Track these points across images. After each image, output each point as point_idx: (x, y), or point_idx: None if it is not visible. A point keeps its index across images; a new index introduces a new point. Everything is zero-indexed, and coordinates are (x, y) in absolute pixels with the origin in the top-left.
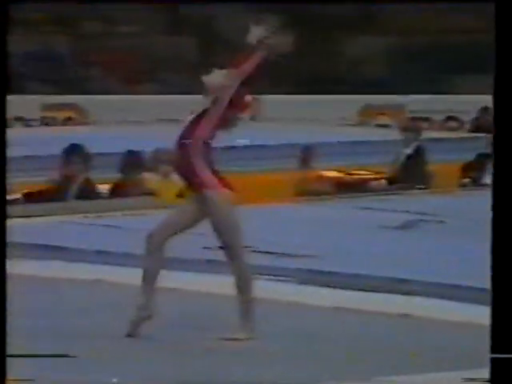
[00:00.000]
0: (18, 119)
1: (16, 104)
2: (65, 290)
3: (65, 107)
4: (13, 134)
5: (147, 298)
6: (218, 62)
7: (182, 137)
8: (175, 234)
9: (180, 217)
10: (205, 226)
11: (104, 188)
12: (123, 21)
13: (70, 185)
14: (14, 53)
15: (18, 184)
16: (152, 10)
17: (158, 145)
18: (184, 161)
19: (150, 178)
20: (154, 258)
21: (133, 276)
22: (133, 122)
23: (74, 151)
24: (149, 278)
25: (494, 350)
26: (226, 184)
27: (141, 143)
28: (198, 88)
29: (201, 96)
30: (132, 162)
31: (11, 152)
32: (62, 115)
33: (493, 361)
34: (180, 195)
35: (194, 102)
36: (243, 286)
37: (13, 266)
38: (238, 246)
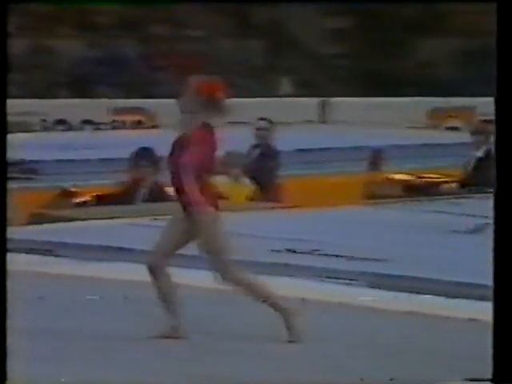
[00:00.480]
0: (88, 123)
1: (85, 108)
2: (132, 291)
3: (134, 111)
4: (82, 137)
5: (172, 314)
6: (284, 65)
7: (172, 154)
8: (171, 254)
9: (171, 238)
10: (275, 230)
11: (172, 191)
12: (191, 24)
13: (138, 188)
14: (84, 57)
15: (88, 186)
16: (219, 14)
17: (227, 148)
18: (175, 176)
19: (220, 181)
20: (162, 282)
21: (199, 277)
22: None
23: (143, 154)
24: (167, 298)
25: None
26: (213, 203)
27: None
28: (264, 91)
29: (268, 99)
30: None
31: (81, 155)
32: (131, 119)
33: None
34: (250, 198)
35: (261, 105)
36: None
37: (82, 268)
38: (224, 263)
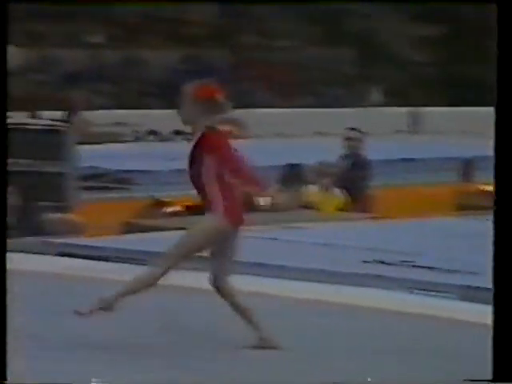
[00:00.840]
0: (178, 133)
1: (177, 118)
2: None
3: (224, 121)
4: (173, 147)
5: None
6: (375, 74)
7: (191, 166)
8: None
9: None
10: (365, 240)
11: (263, 201)
12: (282, 34)
13: None
14: (176, 68)
15: (179, 197)
16: (310, 22)
17: (317, 158)
18: (197, 178)
19: (310, 191)
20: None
21: (288, 288)
22: (290, 135)
23: None
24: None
25: None
26: (230, 213)
27: (298, 156)
28: (355, 101)
29: (358, 109)
30: (293, 174)
31: (172, 165)
32: (222, 129)
33: None
34: (341, 209)
35: (352, 115)
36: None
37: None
38: (172, 258)
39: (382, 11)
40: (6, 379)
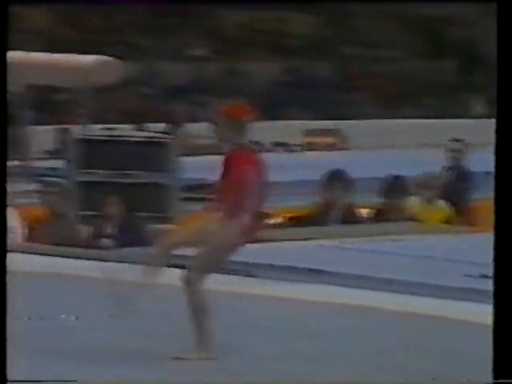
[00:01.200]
0: (280, 144)
1: (278, 130)
2: (325, 313)
3: (326, 133)
4: (276, 158)
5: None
6: (477, 83)
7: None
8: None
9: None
10: (468, 253)
11: (365, 213)
12: (384, 45)
13: (331, 209)
14: (278, 80)
15: (282, 208)
16: (411, 33)
17: (420, 169)
18: (223, 191)
19: (413, 203)
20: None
21: (393, 302)
22: (393, 146)
23: (335, 176)
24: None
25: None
26: (253, 223)
27: (401, 167)
28: (457, 112)
29: (461, 120)
30: (396, 186)
31: (274, 177)
32: (323, 141)
33: None
34: (444, 221)
35: (455, 126)
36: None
37: (275, 289)
38: (203, 268)
39: (483, 19)
40: (6, 379)
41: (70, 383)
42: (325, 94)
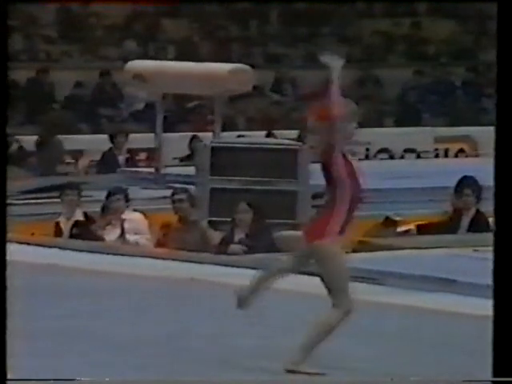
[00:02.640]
0: (410, 151)
1: (409, 136)
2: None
3: (457, 139)
4: (404, 165)
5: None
6: None
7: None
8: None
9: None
10: None
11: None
12: None
13: (461, 217)
14: (412, 86)
15: (411, 215)
16: None
17: None
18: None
19: None
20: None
21: None
22: None
23: (466, 183)
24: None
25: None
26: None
27: None
28: None
29: None
30: None
31: (403, 184)
32: (453, 147)
33: None
34: None
35: None
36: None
37: (405, 298)
38: (343, 291)
39: None
40: (6, 379)
41: (70, 382)
42: (459, 100)
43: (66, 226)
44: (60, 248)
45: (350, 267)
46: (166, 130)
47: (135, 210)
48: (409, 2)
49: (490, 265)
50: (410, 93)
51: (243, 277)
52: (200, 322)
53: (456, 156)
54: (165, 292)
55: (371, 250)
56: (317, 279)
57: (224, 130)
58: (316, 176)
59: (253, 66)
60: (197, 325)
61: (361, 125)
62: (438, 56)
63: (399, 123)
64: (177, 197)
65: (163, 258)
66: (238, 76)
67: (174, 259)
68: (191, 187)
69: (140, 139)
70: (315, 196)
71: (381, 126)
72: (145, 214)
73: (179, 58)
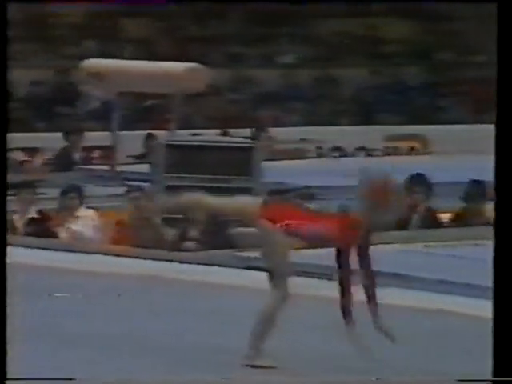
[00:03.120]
0: (362, 149)
1: (361, 135)
2: (403, 316)
3: (408, 137)
4: (356, 163)
5: None
6: None
7: None
8: None
9: None
10: None
11: (446, 217)
12: (475, 50)
13: (411, 214)
14: (367, 85)
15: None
16: None
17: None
18: None
19: (491, 208)
20: None
21: (473, 306)
22: (478, 151)
23: (416, 180)
24: None
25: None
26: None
27: (482, 173)
28: None
29: None
30: (477, 191)
31: (352, 181)
32: (404, 145)
33: None
34: None
35: None
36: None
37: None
38: (282, 277)
39: None
40: (6, 379)
41: (70, 382)
42: (415, 99)
43: (20, 224)
44: (14, 245)
45: (301, 263)
46: (123, 129)
47: (90, 208)
48: (365, 3)
49: (441, 260)
50: (367, 92)
51: (197, 273)
52: (153, 318)
53: (407, 154)
54: (118, 288)
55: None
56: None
57: (181, 128)
58: (269, 173)
59: (212, 66)
60: (150, 321)
61: (317, 123)
62: (394, 56)
63: (355, 122)
64: (132, 194)
65: (117, 255)
66: (194, 75)
67: (128, 256)
68: (146, 185)
69: (96, 137)
70: (269, 193)
71: (337, 124)
72: (100, 212)
73: (138, 57)
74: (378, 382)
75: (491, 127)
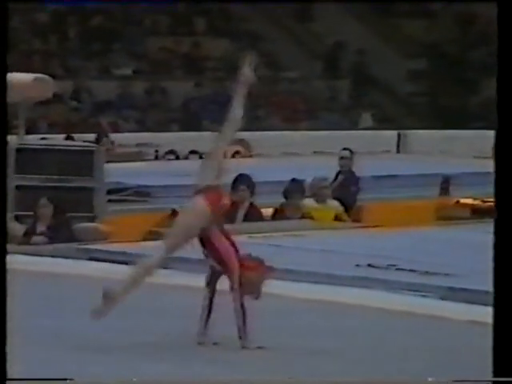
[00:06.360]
0: (194, 153)
1: (192, 140)
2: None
3: (234, 142)
4: (189, 165)
5: None
6: (367, 102)
7: None
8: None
9: None
10: (357, 247)
11: (267, 212)
12: (287, 67)
13: (237, 209)
14: (191, 96)
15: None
16: (311, 57)
17: (316, 174)
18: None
19: (308, 203)
20: None
21: (291, 289)
22: (294, 154)
23: (241, 180)
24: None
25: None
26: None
27: (300, 172)
28: (349, 125)
29: (351, 132)
30: (295, 188)
31: (187, 181)
32: (231, 149)
33: None
34: (337, 219)
35: (346, 137)
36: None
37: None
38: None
39: (374, 48)
40: (6, 379)
41: (69, 382)
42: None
43: None
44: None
45: (141, 254)
46: None
47: None
48: (188, 23)
49: (262, 249)
50: (192, 102)
51: (44, 264)
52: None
53: (233, 157)
54: None
55: (159, 239)
56: None
57: (28, 133)
58: (109, 174)
59: (53, 77)
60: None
61: (150, 129)
62: (215, 70)
63: (183, 128)
64: None
65: None
66: (40, 85)
67: None
68: None
69: None
70: (110, 192)
71: (167, 130)
72: None
73: None
74: (378, 382)
75: (303, 133)
